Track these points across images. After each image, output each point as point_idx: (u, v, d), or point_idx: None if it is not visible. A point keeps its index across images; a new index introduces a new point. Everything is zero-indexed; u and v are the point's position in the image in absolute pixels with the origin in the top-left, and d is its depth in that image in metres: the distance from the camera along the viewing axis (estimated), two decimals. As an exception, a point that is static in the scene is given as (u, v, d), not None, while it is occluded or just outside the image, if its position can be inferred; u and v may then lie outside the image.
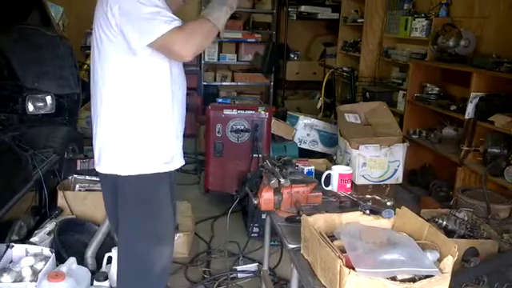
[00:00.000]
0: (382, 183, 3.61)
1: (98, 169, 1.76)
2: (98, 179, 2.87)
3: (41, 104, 3.21)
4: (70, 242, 2.55)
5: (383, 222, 1.52)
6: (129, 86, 1.65)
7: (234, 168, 3.52)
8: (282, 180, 1.78)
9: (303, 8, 6.24)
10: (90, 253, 2.49)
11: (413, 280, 1.21)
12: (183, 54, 1.58)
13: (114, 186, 1.74)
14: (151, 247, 1.76)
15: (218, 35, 1.68)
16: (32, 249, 2.29)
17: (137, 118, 1.67)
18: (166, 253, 1.81)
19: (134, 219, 1.74)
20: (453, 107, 3.59)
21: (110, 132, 1.71)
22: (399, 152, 3.58)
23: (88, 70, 5.04)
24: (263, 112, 3.53)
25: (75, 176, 2.93)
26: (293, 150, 4.09)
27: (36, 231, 2.52)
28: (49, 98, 3.24)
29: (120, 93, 1.67)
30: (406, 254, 1.26)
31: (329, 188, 2.05)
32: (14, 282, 2.08)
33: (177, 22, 1.55)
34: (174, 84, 1.72)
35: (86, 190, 2.84)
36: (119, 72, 1.65)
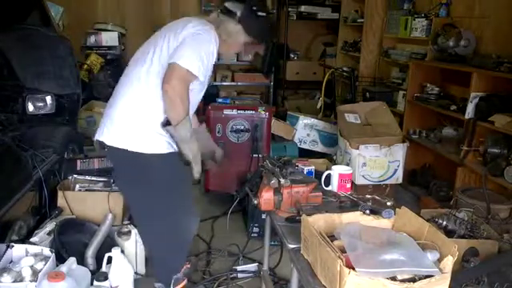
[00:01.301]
0: (381, 183, 3.61)
1: (120, 144, 1.98)
2: (98, 179, 2.88)
3: (41, 104, 3.21)
4: (70, 242, 2.55)
5: (383, 222, 1.52)
6: None
7: (234, 168, 3.51)
8: (282, 180, 1.78)
9: (303, 8, 6.23)
10: (90, 253, 2.49)
11: (413, 280, 1.21)
12: (166, 87, 1.86)
13: (135, 163, 2.00)
14: (183, 217, 2.12)
15: (169, 123, 1.93)
16: (32, 249, 2.29)
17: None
18: (194, 222, 2.23)
19: (163, 194, 2.03)
20: (453, 107, 3.59)
21: (142, 118, 1.97)
22: (399, 152, 3.58)
23: (88, 70, 5.04)
24: (263, 112, 3.53)
25: (75, 176, 2.92)
26: (293, 150, 4.09)
27: (36, 231, 2.52)
28: (49, 98, 3.23)
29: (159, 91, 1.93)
30: (406, 254, 1.26)
31: (329, 188, 2.05)
32: (14, 281, 2.08)
33: (196, 76, 1.91)
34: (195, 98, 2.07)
35: (86, 190, 2.83)
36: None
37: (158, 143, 1.99)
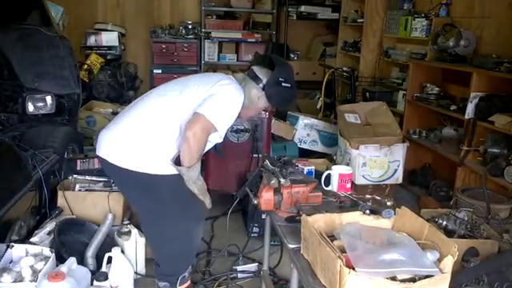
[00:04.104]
0: (381, 183, 3.61)
1: (137, 168, 2.00)
2: (98, 179, 2.88)
3: (41, 104, 3.21)
4: (70, 242, 2.55)
5: (383, 222, 1.52)
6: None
7: (233, 168, 3.51)
8: (282, 180, 1.78)
9: (303, 8, 6.23)
10: (90, 253, 2.49)
11: (413, 280, 1.21)
12: (189, 134, 1.91)
13: (145, 182, 2.03)
14: (195, 225, 2.20)
15: (179, 163, 2.00)
16: (32, 249, 2.29)
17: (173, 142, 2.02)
18: (201, 229, 2.29)
19: (179, 206, 2.08)
20: (453, 107, 3.59)
21: (159, 145, 2.02)
22: (399, 152, 3.58)
23: (88, 70, 5.05)
24: (263, 112, 3.53)
25: (75, 176, 2.92)
26: (293, 150, 4.09)
27: (36, 231, 2.52)
28: (49, 98, 3.23)
29: (176, 127, 2.02)
30: (406, 254, 1.26)
31: (329, 188, 2.05)
32: (14, 282, 2.08)
33: (216, 129, 1.98)
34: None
35: (86, 190, 2.83)
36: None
37: (168, 167, 2.02)
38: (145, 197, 2.10)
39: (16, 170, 2.48)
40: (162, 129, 2.02)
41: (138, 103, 2.15)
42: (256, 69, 2.14)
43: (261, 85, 2.10)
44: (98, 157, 2.12)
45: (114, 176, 2.26)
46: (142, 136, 2.02)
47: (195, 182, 2.02)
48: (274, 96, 2.11)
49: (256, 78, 2.11)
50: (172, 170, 2.01)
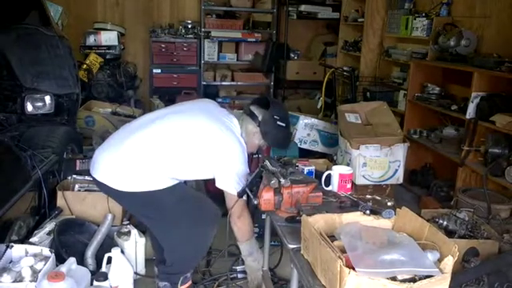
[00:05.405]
0: (382, 183, 3.59)
1: (133, 188, 2.09)
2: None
3: (40, 104, 3.20)
4: (69, 242, 2.55)
5: (383, 222, 1.52)
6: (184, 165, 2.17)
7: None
8: (282, 180, 1.78)
9: (303, 7, 6.23)
10: (89, 253, 2.49)
11: (413, 280, 1.21)
12: (239, 224, 2.24)
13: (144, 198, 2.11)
14: (209, 227, 2.25)
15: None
16: (32, 249, 2.29)
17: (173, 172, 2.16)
18: (210, 233, 2.29)
19: (189, 212, 2.17)
20: (454, 107, 3.58)
21: (157, 166, 2.11)
22: (400, 152, 3.56)
23: (87, 70, 5.04)
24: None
25: (74, 176, 2.92)
26: (293, 150, 4.07)
27: (36, 231, 2.51)
28: (48, 98, 3.23)
29: (175, 152, 2.14)
30: (406, 254, 1.25)
31: (329, 188, 2.05)
32: (13, 282, 2.07)
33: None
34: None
35: (86, 190, 2.83)
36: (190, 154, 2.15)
37: (167, 180, 2.12)
38: (152, 211, 2.16)
39: (15, 170, 2.47)
40: (161, 153, 2.10)
41: (136, 127, 2.21)
42: (253, 107, 2.24)
43: (256, 121, 2.18)
44: (93, 178, 2.18)
45: (114, 197, 2.30)
46: (141, 160, 2.09)
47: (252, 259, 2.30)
48: (269, 133, 2.20)
49: (252, 115, 2.20)
50: (171, 182, 2.10)
